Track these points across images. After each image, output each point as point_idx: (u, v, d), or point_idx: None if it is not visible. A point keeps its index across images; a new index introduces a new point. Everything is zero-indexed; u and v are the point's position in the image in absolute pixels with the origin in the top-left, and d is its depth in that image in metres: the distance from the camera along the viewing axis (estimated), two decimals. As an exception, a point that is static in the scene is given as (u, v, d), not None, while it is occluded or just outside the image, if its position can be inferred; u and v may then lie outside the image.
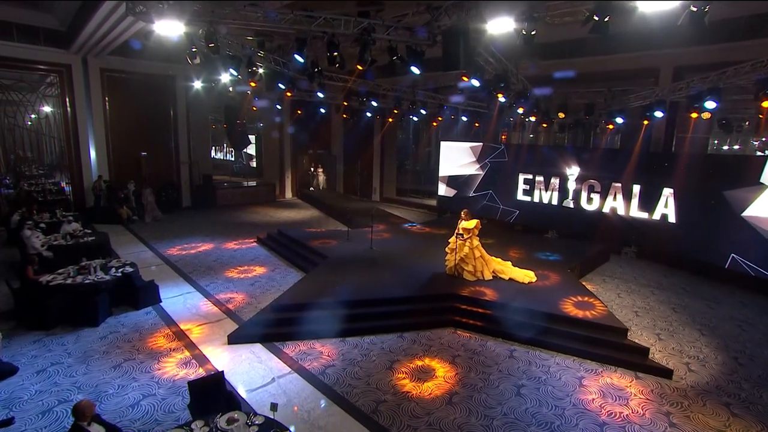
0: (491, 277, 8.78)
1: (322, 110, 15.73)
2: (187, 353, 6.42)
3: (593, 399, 5.67)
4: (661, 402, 5.64)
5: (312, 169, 22.81)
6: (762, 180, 9.67)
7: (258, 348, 6.68)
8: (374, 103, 11.57)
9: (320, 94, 10.94)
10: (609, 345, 6.79)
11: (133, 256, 10.99)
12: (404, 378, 6.01)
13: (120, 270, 8.04)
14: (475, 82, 7.91)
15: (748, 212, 9.87)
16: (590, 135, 15.61)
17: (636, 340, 7.03)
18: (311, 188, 22.23)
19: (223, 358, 6.36)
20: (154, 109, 16.85)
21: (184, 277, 9.75)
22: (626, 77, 12.89)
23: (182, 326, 7.29)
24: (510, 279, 8.80)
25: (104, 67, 14.96)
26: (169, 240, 12.77)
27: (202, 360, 6.26)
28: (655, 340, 7.34)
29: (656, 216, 11.83)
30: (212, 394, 4.43)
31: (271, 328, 7.13)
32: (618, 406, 5.54)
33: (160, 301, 8.20)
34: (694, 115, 8.31)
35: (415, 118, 15.65)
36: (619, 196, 12.58)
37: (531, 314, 7.47)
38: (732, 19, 10.90)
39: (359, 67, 6.93)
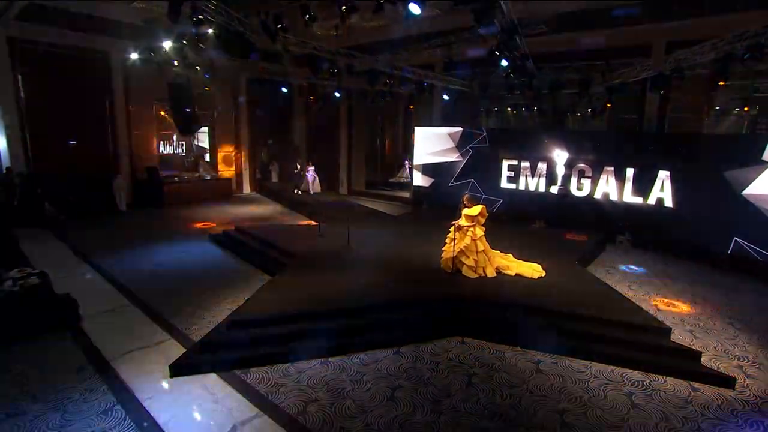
0: (495, 275, 7.49)
1: (284, 90, 13.92)
2: (109, 395, 4.61)
3: (657, 424, 4.44)
4: (737, 422, 4.50)
5: (298, 166, 18.44)
6: (764, 158, 9.01)
7: (212, 380, 4.98)
8: (347, 75, 10.00)
9: (284, 63, 9.26)
10: (651, 349, 5.64)
11: (51, 262, 8.86)
12: (413, 412, 4.53)
13: (20, 282, 6.02)
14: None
15: (748, 191, 9.20)
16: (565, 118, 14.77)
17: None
18: (299, 192, 17.64)
19: (163, 399, 4.61)
20: (85, 90, 14.30)
21: (117, 287, 7.78)
22: (616, 54, 12.06)
23: (107, 354, 5.43)
24: (516, 275, 7.55)
25: (14, 35, 12.30)
26: (102, 241, 10.59)
27: (130, 405, 4.47)
28: (691, 339, 6.29)
29: (651, 201, 11.06)
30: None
31: (229, 350, 5.44)
32: (690, 432, 4.35)
33: (80, 321, 6.26)
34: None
35: (390, 99, 14.14)
36: (612, 180, 11.75)
37: (551, 315, 6.23)
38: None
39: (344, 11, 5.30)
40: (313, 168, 18.00)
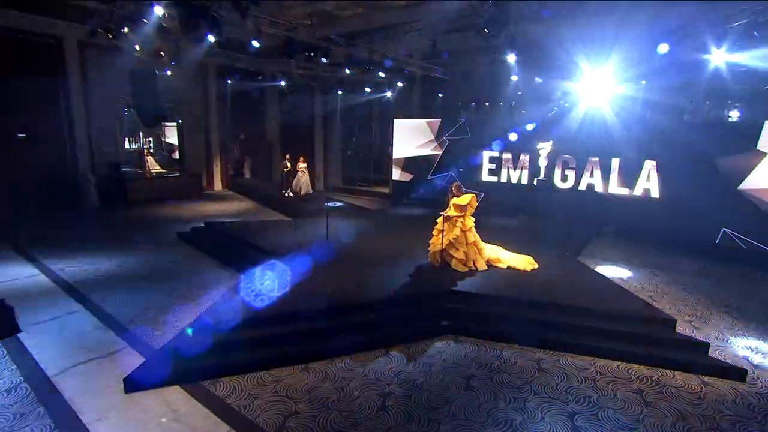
0: (486, 268, 7.04)
1: (257, 80, 13.13)
2: (46, 419, 3.87)
3: (674, 423, 4.06)
4: (757, 418, 4.17)
5: (287, 165, 15.38)
6: (758, 147, 8.89)
7: (175, 394, 4.30)
8: (324, 60, 9.38)
9: (255, 44, 8.54)
10: (656, 342, 5.30)
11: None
12: (408, 422, 3.99)
13: (-57, 287, 5.16)
14: None
15: (743, 184, 9.07)
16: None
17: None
18: (289, 194, 15.27)
19: (114, 420, 3.91)
20: (36, 78, 13.10)
21: (68, 291, 6.93)
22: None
23: (48, 370, 4.65)
24: (509, 267, 7.12)
25: (-52, 16, 11.14)
26: (54, 242, 9.59)
27: (73, 430, 3.76)
28: (691, 330, 6.01)
29: (638, 192, 10.90)
30: None
31: (195, 359, 4.74)
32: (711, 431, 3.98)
33: (19, 331, 5.43)
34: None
35: (369, 89, 13.57)
36: (597, 172, 11.56)
37: (549, 309, 5.83)
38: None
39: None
40: (304, 166, 15.34)
